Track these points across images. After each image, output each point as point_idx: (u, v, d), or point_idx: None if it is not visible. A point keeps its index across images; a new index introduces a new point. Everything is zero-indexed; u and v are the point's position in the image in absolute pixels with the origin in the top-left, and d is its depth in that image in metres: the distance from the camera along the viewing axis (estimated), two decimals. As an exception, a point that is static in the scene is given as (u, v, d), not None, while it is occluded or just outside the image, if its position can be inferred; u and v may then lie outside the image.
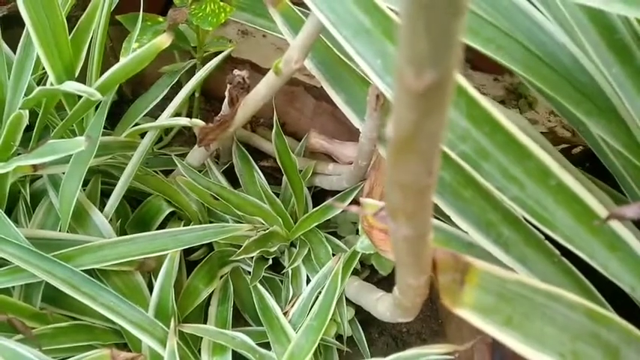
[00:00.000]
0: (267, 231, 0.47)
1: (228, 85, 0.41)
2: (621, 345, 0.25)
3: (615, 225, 0.27)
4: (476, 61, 0.78)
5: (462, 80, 0.25)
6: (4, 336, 0.33)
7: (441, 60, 0.11)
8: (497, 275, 0.23)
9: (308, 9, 0.43)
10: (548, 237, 0.31)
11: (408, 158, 0.14)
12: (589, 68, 0.37)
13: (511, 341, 0.22)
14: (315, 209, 0.51)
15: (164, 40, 0.39)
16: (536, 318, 0.23)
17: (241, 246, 0.47)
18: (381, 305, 0.34)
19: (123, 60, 0.39)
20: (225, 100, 0.54)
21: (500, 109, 0.44)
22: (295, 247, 0.52)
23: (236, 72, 0.40)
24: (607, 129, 0.38)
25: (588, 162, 0.62)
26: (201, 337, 0.43)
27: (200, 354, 0.42)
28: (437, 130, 0.13)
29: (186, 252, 0.51)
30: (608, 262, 0.27)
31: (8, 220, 0.40)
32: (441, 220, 0.36)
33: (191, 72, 0.55)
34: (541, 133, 0.77)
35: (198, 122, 0.45)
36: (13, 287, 0.40)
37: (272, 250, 0.47)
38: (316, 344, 0.38)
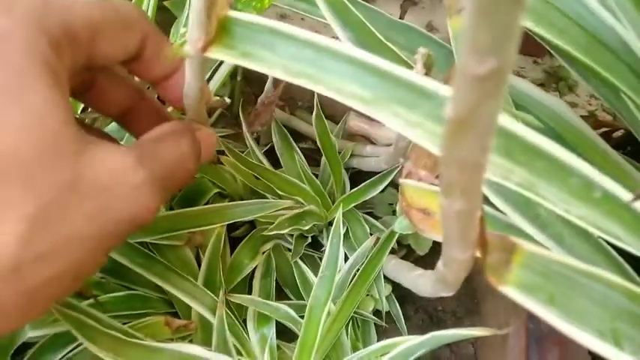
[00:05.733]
0: (302, 210, 0.49)
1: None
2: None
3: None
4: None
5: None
6: (76, 300, 0.36)
7: (502, 49, 0.12)
8: (542, 255, 0.24)
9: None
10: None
11: (466, 137, 0.15)
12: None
13: (553, 318, 0.23)
14: (354, 190, 0.53)
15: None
16: (577, 297, 0.24)
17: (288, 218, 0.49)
18: (423, 281, 0.35)
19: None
20: (268, 82, 0.56)
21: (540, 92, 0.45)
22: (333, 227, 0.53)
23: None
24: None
25: (630, 146, 0.61)
26: (246, 309, 0.45)
27: (245, 324, 0.44)
28: (493, 111, 0.14)
29: (229, 229, 0.53)
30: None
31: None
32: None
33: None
34: (581, 116, 0.76)
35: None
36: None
37: (305, 228, 0.48)
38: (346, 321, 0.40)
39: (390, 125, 0.20)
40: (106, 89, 0.29)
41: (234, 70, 0.58)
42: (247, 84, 0.67)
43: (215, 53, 0.23)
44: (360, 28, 0.42)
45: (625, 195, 0.25)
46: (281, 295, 0.52)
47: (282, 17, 0.71)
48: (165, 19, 0.55)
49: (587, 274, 0.25)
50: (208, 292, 0.41)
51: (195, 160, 0.26)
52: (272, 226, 0.46)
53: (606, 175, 0.45)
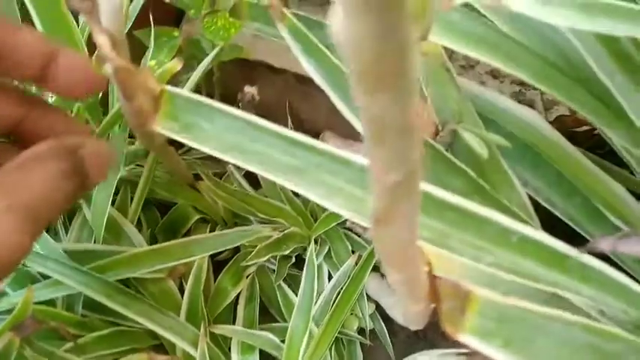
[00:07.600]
0: (282, 234, 0.49)
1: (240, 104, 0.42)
2: (624, 352, 0.26)
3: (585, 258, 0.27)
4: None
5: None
6: (54, 345, 0.36)
7: (402, 166, 0.13)
8: (496, 301, 0.24)
9: (312, 19, 0.44)
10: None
11: (388, 231, 0.15)
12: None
13: (511, 362, 0.23)
14: (333, 208, 0.53)
15: (175, 65, 0.41)
16: (534, 337, 0.25)
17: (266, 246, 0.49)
18: (396, 310, 0.36)
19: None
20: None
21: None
22: (317, 245, 0.54)
23: (246, 89, 0.42)
24: (625, 136, 0.38)
25: (607, 146, 0.61)
26: (231, 337, 0.46)
27: (230, 353, 0.45)
28: (410, 211, 0.14)
29: (213, 253, 0.54)
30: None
31: (47, 236, 0.43)
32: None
33: (210, 75, 0.58)
34: (561, 115, 0.76)
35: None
36: (57, 298, 0.44)
37: (286, 252, 0.49)
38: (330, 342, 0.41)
39: (315, 197, 0.22)
40: None
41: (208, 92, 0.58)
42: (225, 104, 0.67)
43: (159, 124, 0.24)
44: (321, 55, 0.41)
45: (540, 236, 0.25)
46: (267, 316, 0.52)
47: (255, 37, 0.70)
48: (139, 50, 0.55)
49: (543, 315, 0.25)
50: (190, 326, 0.42)
51: (71, 184, 0.22)
52: (250, 255, 0.47)
53: (583, 185, 0.45)
